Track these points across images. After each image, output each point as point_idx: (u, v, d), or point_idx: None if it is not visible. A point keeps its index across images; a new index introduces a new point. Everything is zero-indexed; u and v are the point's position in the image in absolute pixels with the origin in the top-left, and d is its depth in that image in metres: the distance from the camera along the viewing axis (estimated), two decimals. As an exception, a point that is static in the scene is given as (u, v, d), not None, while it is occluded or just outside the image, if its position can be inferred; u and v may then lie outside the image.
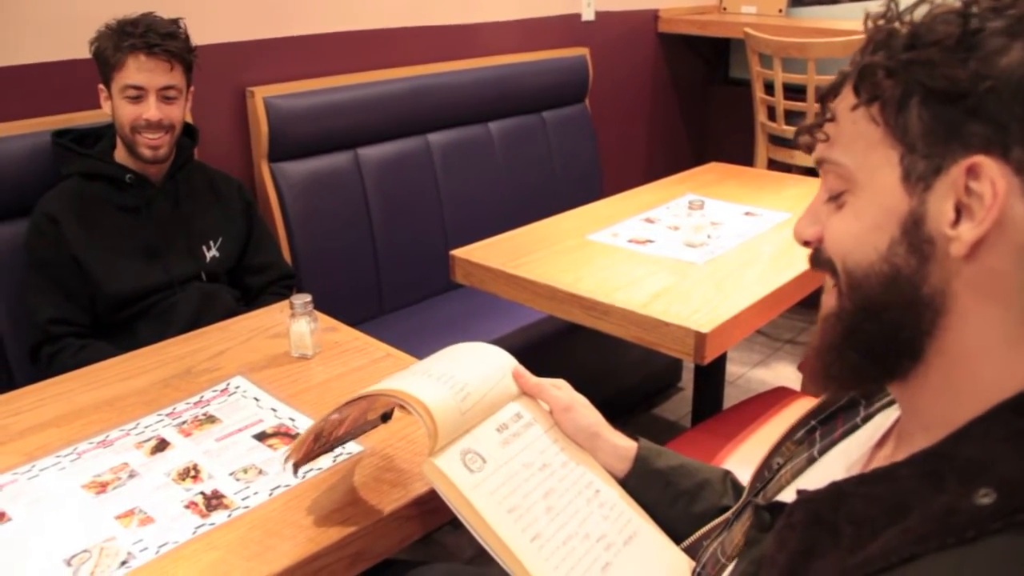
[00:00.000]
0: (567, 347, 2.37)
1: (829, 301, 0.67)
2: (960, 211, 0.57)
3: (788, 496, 0.75)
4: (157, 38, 1.69)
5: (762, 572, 0.65)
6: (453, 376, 0.97)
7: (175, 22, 1.75)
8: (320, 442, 1.06)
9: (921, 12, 0.62)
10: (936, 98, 0.58)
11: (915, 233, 0.59)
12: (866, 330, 0.63)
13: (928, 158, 0.58)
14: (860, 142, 0.63)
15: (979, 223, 0.56)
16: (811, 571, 0.59)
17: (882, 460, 0.70)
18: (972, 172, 0.56)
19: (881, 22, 0.63)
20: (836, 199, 0.65)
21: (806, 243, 0.69)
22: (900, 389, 0.66)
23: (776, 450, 0.86)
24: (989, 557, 0.51)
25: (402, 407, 1.16)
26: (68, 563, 0.96)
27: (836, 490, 0.63)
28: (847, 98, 0.63)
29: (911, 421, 0.66)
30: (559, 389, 1.03)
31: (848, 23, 3.17)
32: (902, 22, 0.62)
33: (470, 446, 0.93)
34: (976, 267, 0.57)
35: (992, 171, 0.56)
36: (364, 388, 0.99)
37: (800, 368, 2.20)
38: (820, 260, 0.67)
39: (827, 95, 0.66)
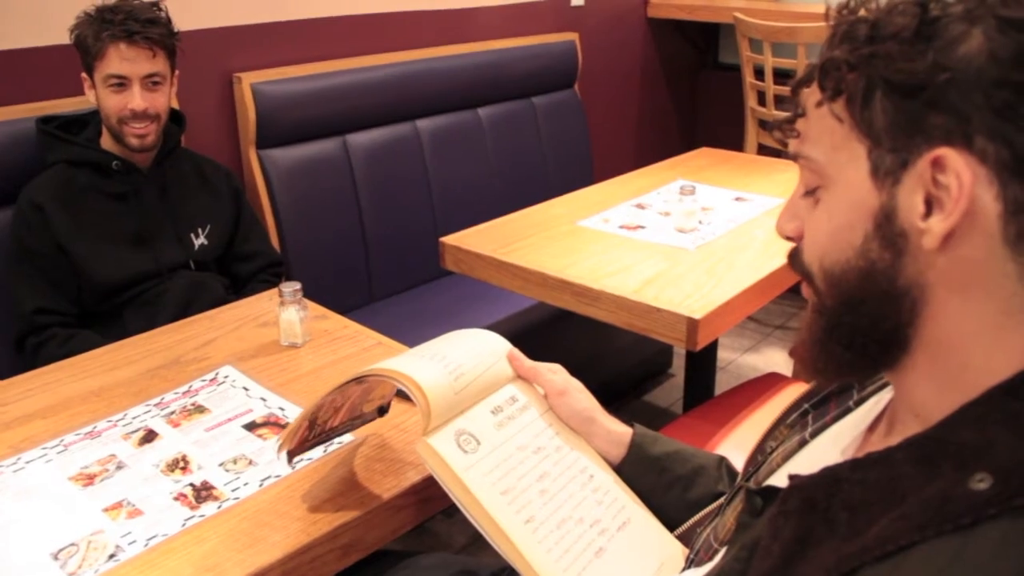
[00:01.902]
0: (557, 334, 2.36)
1: (809, 297, 0.67)
2: (930, 203, 0.57)
3: (779, 480, 0.74)
4: (137, 25, 1.66)
5: (756, 559, 0.65)
6: (446, 357, 0.97)
7: (155, 5, 1.73)
8: (315, 431, 1.05)
9: (883, 1, 0.61)
10: (897, 91, 0.57)
11: (887, 227, 0.59)
12: (847, 323, 0.63)
13: (894, 152, 0.58)
14: (828, 137, 0.62)
15: (948, 215, 0.56)
16: (806, 559, 0.59)
17: (875, 444, 0.69)
18: (937, 165, 0.56)
19: (844, 13, 0.62)
20: (812, 194, 0.65)
21: (788, 238, 0.69)
22: (892, 376, 0.66)
23: (769, 434, 0.85)
24: (987, 543, 0.51)
25: (397, 396, 1.16)
26: (55, 557, 0.94)
27: (830, 475, 0.62)
28: (814, 93, 0.63)
29: (904, 406, 0.65)
30: (554, 373, 1.03)
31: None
32: (868, 10, 0.61)
33: (464, 427, 0.93)
34: (949, 258, 0.57)
35: (957, 163, 0.55)
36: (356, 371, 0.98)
37: (791, 354, 2.20)
38: (797, 262, 0.68)
39: (798, 88, 0.66)
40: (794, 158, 0.67)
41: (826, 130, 0.62)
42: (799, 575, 0.58)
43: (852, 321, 0.63)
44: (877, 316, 0.61)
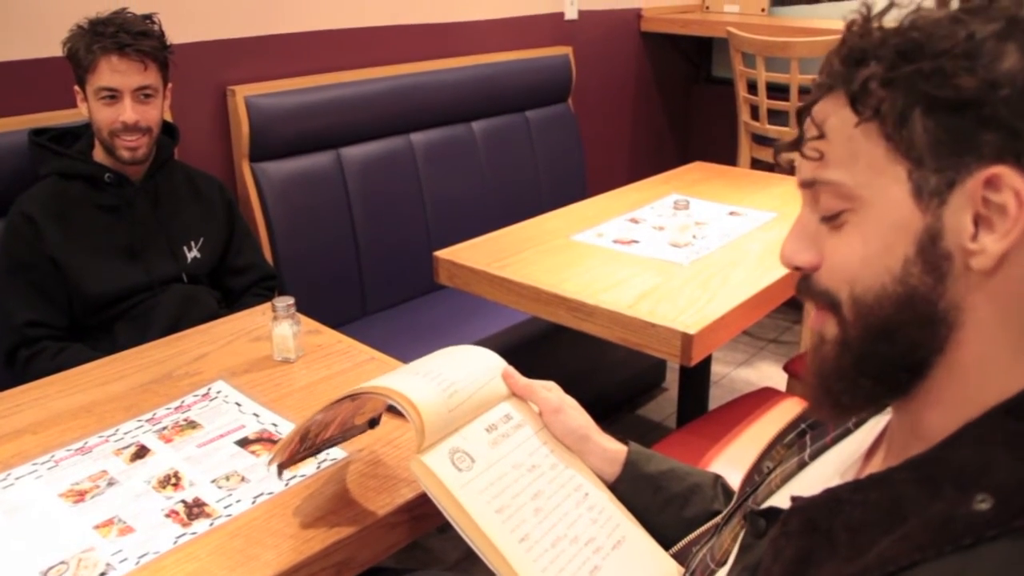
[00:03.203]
0: (550, 348, 2.36)
1: (826, 328, 0.63)
2: (977, 223, 0.56)
3: (779, 501, 0.74)
4: (129, 38, 1.65)
5: None
6: (441, 374, 0.97)
7: (148, 18, 1.72)
8: (306, 444, 1.05)
9: (895, 16, 0.61)
10: (943, 108, 0.56)
11: (932, 250, 0.57)
12: (880, 353, 0.60)
13: (940, 171, 0.56)
14: (860, 159, 0.60)
15: (1005, 235, 0.55)
16: None
17: (876, 466, 0.69)
18: (991, 183, 0.55)
19: (856, 31, 0.61)
20: (832, 219, 0.62)
21: (797, 268, 0.66)
22: (901, 402, 0.64)
23: (766, 454, 0.85)
24: (988, 564, 0.51)
25: (389, 411, 1.15)
26: (44, 575, 0.93)
27: (831, 496, 0.62)
28: (839, 113, 0.61)
29: (905, 430, 0.65)
30: (549, 391, 1.02)
31: (830, 22, 3.18)
32: (881, 27, 0.60)
33: (459, 445, 0.92)
34: (997, 278, 0.56)
35: (1014, 180, 0.54)
36: (349, 388, 0.97)
37: (785, 368, 2.20)
38: (813, 291, 0.64)
39: (806, 110, 0.64)
40: (810, 184, 0.64)
41: (857, 151, 0.60)
42: None
43: (885, 350, 0.60)
44: (913, 343, 0.59)
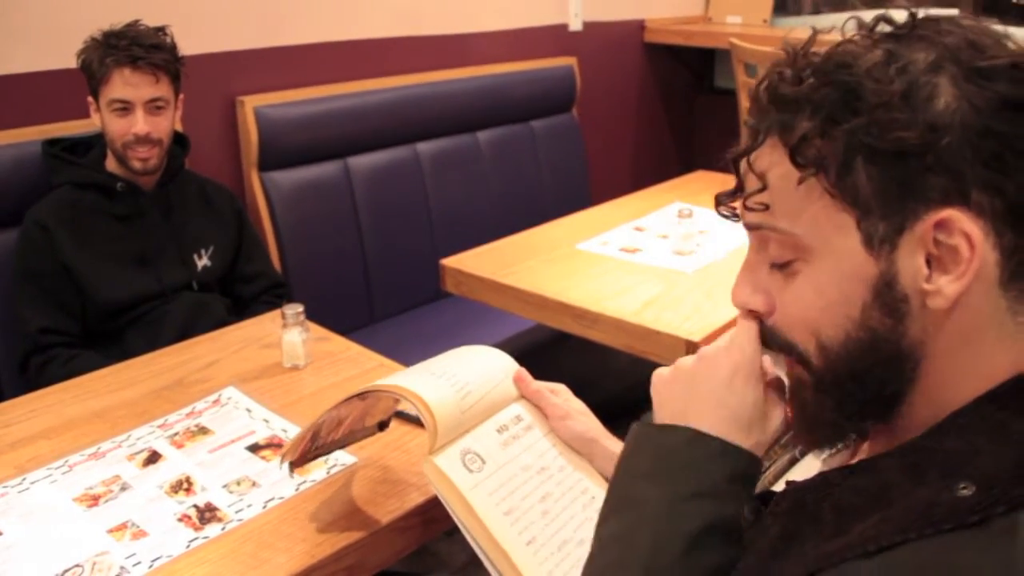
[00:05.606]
0: (556, 355, 2.37)
1: (800, 374, 0.65)
2: (930, 263, 0.57)
3: None
4: (141, 51, 1.68)
5: (743, 556, 0.65)
6: (455, 375, 0.97)
7: (161, 31, 1.75)
8: (316, 443, 1.06)
9: (821, 42, 0.62)
10: (885, 157, 0.56)
11: (888, 294, 0.58)
12: (854, 396, 0.62)
13: (887, 218, 0.57)
14: (807, 210, 0.60)
15: (960, 276, 0.56)
16: (790, 555, 0.59)
17: (866, 454, 0.70)
18: (941, 226, 0.56)
19: (781, 70, 0.61)
20: (784, 267, 0.63)
21: (750, 311, 0.67)
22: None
23: (765, 454, 0.86)
24: (967, 547, 0.52)
25: (399, 417, 1.17)
26: (61, 577, 0.95)
27: (822, 480, 0.63)
28: (781, 165, 0.60)
29: (898, 425, 0.66)
30: (557, 395, 1.03)
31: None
32: (805, 57, 0.61)
33: (470, 446, 0.93)
34: (955, 314, 0.58)
35: (964, 224, 0.55)
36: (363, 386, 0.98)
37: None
38: (779, 342, 0.65)
39: (740, 158, 0.64)
40: (755, 228, 0.64)
41: (802, 203, 0.60)
42: (780, 569, 0.59)
43: (858, 392, 0.62)
44: (881, 382, 0.61)
